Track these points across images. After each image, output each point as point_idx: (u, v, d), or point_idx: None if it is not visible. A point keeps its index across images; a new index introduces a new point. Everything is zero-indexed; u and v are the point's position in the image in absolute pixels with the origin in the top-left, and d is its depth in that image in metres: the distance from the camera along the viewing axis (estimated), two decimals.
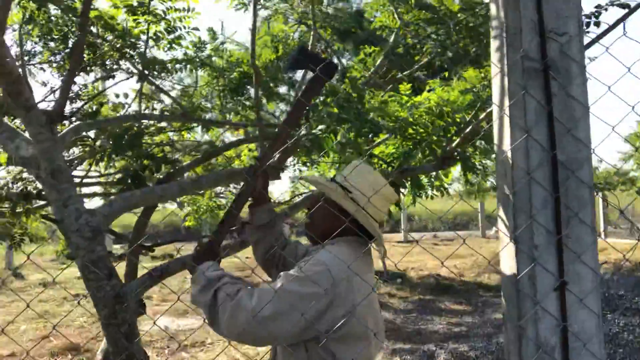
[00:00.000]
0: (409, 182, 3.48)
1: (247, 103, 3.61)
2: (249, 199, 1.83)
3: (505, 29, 1.45)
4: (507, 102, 1.46)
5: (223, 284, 1.51)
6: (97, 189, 4.01)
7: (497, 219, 1.55)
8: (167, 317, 8.20)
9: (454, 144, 2.60)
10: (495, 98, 1.51)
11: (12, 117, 2.77)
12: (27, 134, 2.08)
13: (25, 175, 2.58)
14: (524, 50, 1.42)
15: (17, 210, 2.39)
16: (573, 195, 1.45)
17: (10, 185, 2.45)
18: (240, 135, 3.91)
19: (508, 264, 1.54)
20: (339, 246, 1.62)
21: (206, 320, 1.53)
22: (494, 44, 1.53)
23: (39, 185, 2.44)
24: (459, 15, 2.86)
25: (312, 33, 3.40)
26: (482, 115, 2.56)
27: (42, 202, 2.75)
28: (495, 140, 1.52)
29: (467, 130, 2.47)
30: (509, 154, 1.43)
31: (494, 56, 1.54)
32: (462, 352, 5.89)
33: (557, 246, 1.48)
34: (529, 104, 1.42)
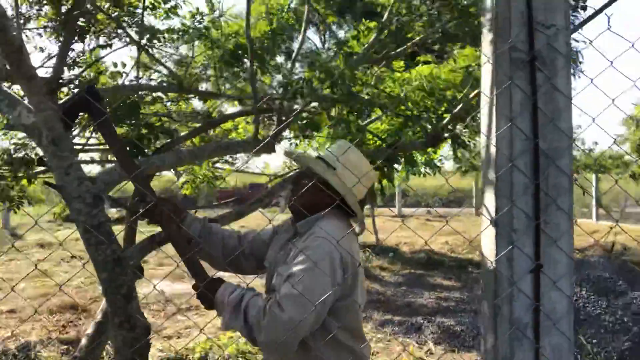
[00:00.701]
0: (403, 159, 3.54)
1: (243, 75, 3.62)
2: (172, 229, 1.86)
3: (495, 19, 1.49)
4: (494, 91, 1.51)
5: (246, 306, 1.58)
6: (96, 156, 4.06)
7: (482, 201, 1.63)
8: (163, 281, 8.38)
9: (444, 122, 2.66)
10: (484, 86, 1.56)
11: (10, 84, 2.79)
12: (27, 102, 2.12)
13: (24, 141, 2.63)
14: (512, 41, 1.46)
15: (18, 175, 2.45)
16: (552, 183, 1.52)
17: (12, 151, 2.50)
18: (236, 108, 3.94)
19: (488, 246, 1.62)
20: (329, 220, 1.72)
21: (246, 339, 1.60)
22: (485, 33, 1.57)
23: (40, 152, 2.50)
24: None
25: (306, 6, 3.39)
26: (471, 95, 2.60)
27: (41, 168, 2.80)
28: (482, 128, 1.58)
29: (458, 108, 2.52)
30: (494, 141, 1.50)
31: (485, 45, 1.58)
32: (449, 326, 6.08)
33: (535, 231, 1.56)
34: (514, 94, 1.48)
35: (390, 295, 7.93)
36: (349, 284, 1.65)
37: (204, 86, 3.62)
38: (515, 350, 1.60)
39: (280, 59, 4.39)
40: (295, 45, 3.63)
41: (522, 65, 1.46)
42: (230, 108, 4.52)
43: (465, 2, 2.49)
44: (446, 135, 2.69)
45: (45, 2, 2.73)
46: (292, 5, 3.52)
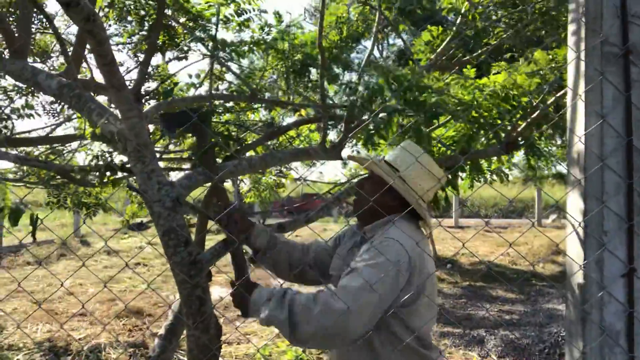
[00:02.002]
0: (468, 166, 3.47)
1: (309, 84, 3.69)
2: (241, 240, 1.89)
3: (585, 13, 1.45)
4: (583, 87, 1.46)
5: (291, 298, 1.52)
6: (163, 164, 4.27)
7: (566, 203, 1.57)
8: (222, 287, 8.58)
9: (519, 129, 2.58)
10: (571, 83, 1.52)
11: (96, 94, 2.99)
12: (114, 111, 2.25)
13: (108, 149, 2.80)
14: (604, 35, 1.42)
15: (104, 181, 2.62)
16: None
17: (98, 158, 2.68)
18: (301, 116, 4.02)
19: (575, 249, 1.56)
20: (399, 223, 1.68)
21: (282, 335, 1.51)
22: (572, 28, 1.53)
23: (122, 159, 2.66)
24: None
25: (377, 13, 3.42)
26: (550, 100, 2.52)
27: (122, 175, 2.97)
28: (569, 125, 1.53)
29: (536, 114, 2.44)
30: (583, 140, 1.45)
31: (571, 40, 1.54)
32: (513, 340, 5.85)
33: (628, 233, 1.49)
34: (606, 90, 1.43)
35: (450, 307, 7.73)
36: (417, 289, 1.59)
37: (269, 95, 3.72)
38: (606, 359, 1.53)
39: (339, 70, 4.44)
40: (356, 55, 3.66)
41: (614, 59, 1.41)
42: (290, 118, 4.62)
43: (548, 5, 2.42)
44: (522, 142, 2.61)
45: (127, 20, 2.92)
46: (360, 15, 3.57)
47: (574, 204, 1.57)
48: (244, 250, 1.94)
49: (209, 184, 2.61)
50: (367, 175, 1.95)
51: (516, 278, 9.62)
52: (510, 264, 10.78)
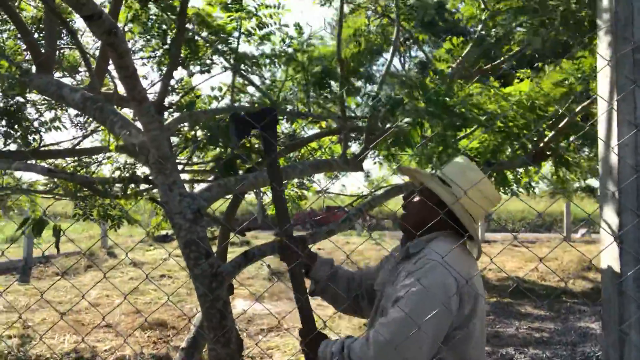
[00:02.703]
0: (494, 178, 3.39)
1: (329, 96, 3.68)
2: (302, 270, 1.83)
3: (615, 20, 1.39)
4: (615, 96, 1.40)
5: (349, 348, 1.50)
6: (186, 175, 4.30)
7: (600, 216, 1.50)
8: (245, 300, 8.57)
9: (546, 139, 2.50)
10: (602, 91, 1.45)
11: (119, 107, 3.04)
12: (137, 123, 2.27)
13: (132, 161, 2.83)
14: (635, 42, 1.35)
15: (127, 192, 2.65)
16: None
17: (121, 170, 2.71)
18: (322, 128, 4.00)
19: (610, 265, 1.48)
20: (443, 241, 1.61)
21: None
22: (601, 35, 1.47)
23: (145, 171, 2.69)
24: (552, 3, 2.73)
25: (395, 25, 3.40)
26: (578, 108, 2.43)
27: (146, 186, 2.99)
28: (601, 136, 1.46)
29: (563, 123, 2.36)
30: (616, 150, 1.38)
31: (601, 48, 1.48)
32: (544, 359, 5.64)
33: None
34: (639, 98, 1.36)
35: None
36: (466, 312, 1.51)
37: (290, 107, 3.72)
38: None
39: (359, 83, 4.44)
40: (378, 67, 3.63)
41: None
42: (311, 129, 4.60)
43: (571, 9, 2.36)
44: (549, 152, 2.52)
45: (150, 34, 2.96)
46: (379, 27, 3.56)
47: (608, 217, 1.49)
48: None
49: (229, 195, 2.62)
50: (414, 188, 1.87)
51: (546, 294, 9.33)
52: (539, 280, 10.49)
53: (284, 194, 1.93)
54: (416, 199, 1.71)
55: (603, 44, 1.46)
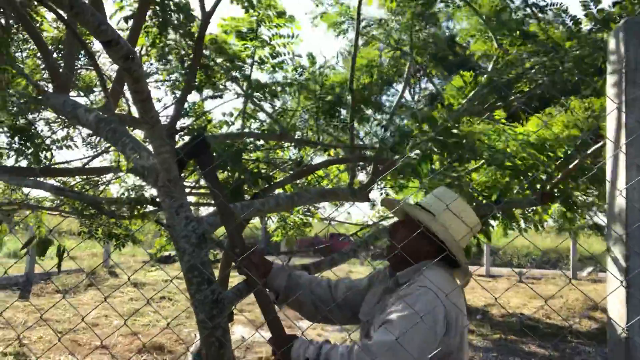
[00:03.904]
0: (501, 214, 3.38)
1: (339, 125, 3.72)
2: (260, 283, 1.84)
3: (625, 64, 1.41)
4: (623, 139, 1.41)
5: (326, 356, 1.49)
6: (193, 198, 4.33)
7: (607, 260, 1.48)
8: (244, 327, 8.46)
9: (555, 180, 2.50)
10: (610, 134, 1.46)
11: (132, 129, 3.08)
12: (148, 146, 2.29)
13: (140, 183, 2.86)
14: None
15: (134, 214, 2.66)
16: None
17: (130, 191, 2.73)
18: (330, 156, 4.03)
19: (616, 310, 1.46)
20: (433, 270, 1.62)
21: None
22: (610, 79, 1.49)
23: (153, 193, 2.71)
24: (566, 46, 2.77)
25: (408, 58, 3.45)
26: (589, 151, 2.44)
27: (152, 208, 3.01)
28: (608, 178, 1.47)
29: (573, 165, 2.36)
30: (624, 193, 1.38)
31: (610, 91, 1.49)
32: None
33: None
34: None
35: None
36: (455, 341, 1.51)
37: (299, 134, 3.76)
38: None
39: (368, 112, 4.49)
40: (387, 98, 3.67)
41: None
42: (318, 157, 4.63)
43: (583, 54, 2.39)
44: (557, 193, 2.52)
45: (167, 59, 3.03)
46: (391, 62, 3.62)
47: (616, 260, 1.48)
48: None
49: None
50: (399, 220, 1.89)
51: (550, 333, 9.15)
52: (544, 317, 10.29)
53: (228, 205, 1.96)
54: (403, 230, 1.72)
55: (613, 88, 1.47)
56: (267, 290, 1.96)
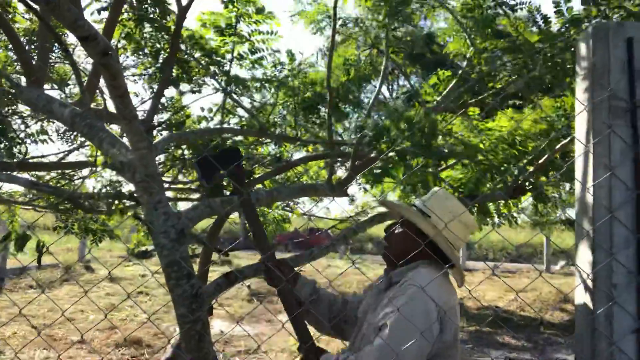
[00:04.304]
0: (476, 209, 3.45)
1: (317, 121, 3.74)
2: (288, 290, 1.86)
3: (593, 67, 1.46)
4: (591, 139, 1.46)
5: None
6: (171, 194, 4.30)
7: (575, 254, 1.54)
8: (223, 321, 8.45)
9: (526, 174, 2.57)
10: (579, 134, 1.51)
11: (109, 124, 3.04)
12: (125, 141, 2.28)
13: (118, 178, 2.83)
14: (612, 90, 1.42)
15: (112, 209, 2.63)
16: None
17: (107, 187, 2.70)
18: (309, 152, 4.05)
19: (583, 301, 1.53)
20: (425, 270, 1.65)
21: None
22: (579, 81, 1.54)
23: (131, 188, 2.68)
24: (536, 45, 2.84)
25: (384, 57, 3.49)
26: (557, 146, 2.51)
27: (131, 203, 2.98)
28: (577, 176, 1.52)
29: (543, 159, 2.43)
30: (592, 191, 1.43)
31: (579, 93, 1.55)
32: None
33: (638, 287, 1.45)
34: (614, 143, 1.42)
35: None
36: (447, 339, 1.54)
37: (278, 131, 3.77)
38: None
39: (348, 109, 4.52)
40: (366, 95, 3.71)
41: (622, 113, 1.41)
42: (297, 153, 4.65)
43: (553, 52, 2.46)
44: (528, 187, 2.59)
45: (143, 53, 2.99)
46: (368, 57, 3.65)
47: (583, 254, 1.54)
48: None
49: (215, 216, 2.63)
50: (396, 220, 1.91)
51: (524, 325, 9.38)
52: (518, 310, 10.55)
53: (263, 229, 1.96)
54: (397, 230, 1.76)
55: (581, 90, 1.53)
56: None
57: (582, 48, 1.51)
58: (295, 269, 2.31)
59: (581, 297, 1.54)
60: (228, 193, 2.93)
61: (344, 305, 1.96)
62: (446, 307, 1.54)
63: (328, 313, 1.93)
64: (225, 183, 2.79)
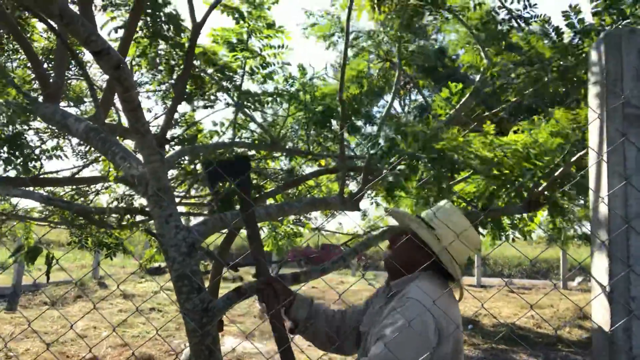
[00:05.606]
0: (490, 223, 3.41)
1: (329, 135, 3.75)
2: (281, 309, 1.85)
3: (606, 76, 1.45)
4: (605, 148, 1.44)
5: None
6: (183, 208, 4.32)
7: (591, 267, 1.51)
8: (235, 338, 8.39)
9: (541, 187, 2.54)
10: (593, 143, 1.49)
11: (122, 138, 3.08)
12: (138, 156, 2.30)
13: (130, 192, 2.85)
14: (625, 97, 1.40)
15: (122, 223, 2.65)
16: None
17: (118, 201, 2.72)
18: (321, 166, 4.05)
19: (601, 315, 1.49)
20: (425, 281, 1.64)
21: None
22: (592, 90, 1.52)
23: (142, 202, 2.70)
24: (550, 57, 2.82)
25: (397, 70, 3.50)
26: (572, 159, 2.48)
27: (143, 217, 3.00)
28: (592, 186, 1.50)
29: (558, 172, 2.40)
30: (606, 201, 1.41)
31: (592, 102, 1.53)
32: None
33: None
34: (629, 151, 1.40)
35: None
36: (447, 351, 1.51)
37: (290, 144, 3.78)
38: None
39: (359, 122, 4.52)
40: (377, 108, 3.71)
41: (636, 121, 1.39)
42: (308, 167, 4.65)
43: (564, 63, 2.44)
44: (544, 201, 2.55)
45: (161, 68, 3.04)
46: (381, 72, 3.66)
47: (599, 266, 1.51)
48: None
49: (225, 230, 2.63)
50: (395, 228, 1.91)
51: (541, 342, 9.18)
52: (534, 327, 10.32)
53: (262, 244, 1.96)
54: (402, 240, 1.75)
55: (594, 98, 1.51)
56: (288, 319, 1.94)
57: (594, 56, 1.50)
58: (300, 284, 2.30)
59: (598, 310, 1.50)
60: (238, 207, 2.93)
61: (342, 320, 1.94)
62: (445, 319, 1.52)
63: (326, 332, 1.91)
64: (236, 196, 2.80)
